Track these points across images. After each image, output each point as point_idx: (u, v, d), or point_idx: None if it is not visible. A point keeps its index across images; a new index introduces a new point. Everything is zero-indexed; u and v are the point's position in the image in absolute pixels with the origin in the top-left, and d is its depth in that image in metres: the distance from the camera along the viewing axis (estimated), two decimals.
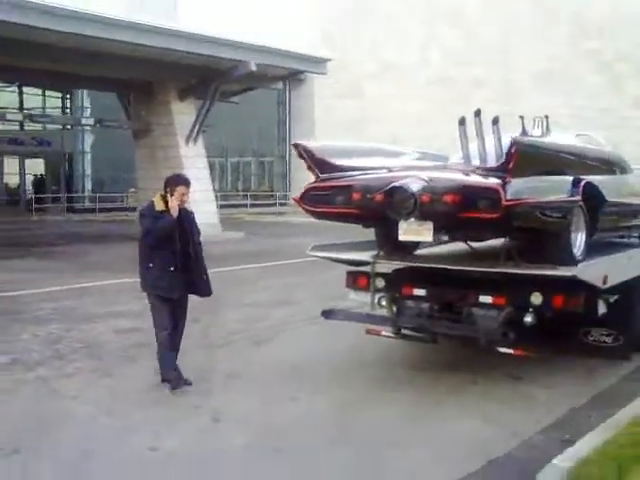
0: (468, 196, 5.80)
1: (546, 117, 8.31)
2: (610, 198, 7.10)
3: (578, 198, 6.36)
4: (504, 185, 5.67)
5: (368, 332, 7.37)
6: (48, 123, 35.99)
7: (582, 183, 6.45)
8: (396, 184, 6.05)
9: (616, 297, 7.30)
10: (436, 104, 36.55)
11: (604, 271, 6.63)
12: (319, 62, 25.78)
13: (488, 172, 6.08)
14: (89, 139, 39.64)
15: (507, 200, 5.59)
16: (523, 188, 5.87)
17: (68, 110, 39.97)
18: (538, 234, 6.64)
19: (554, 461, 4.54)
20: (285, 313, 10.30)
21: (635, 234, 9.13)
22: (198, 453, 5.14)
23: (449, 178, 6.13)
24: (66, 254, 18.55)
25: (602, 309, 7.16)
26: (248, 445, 5.25)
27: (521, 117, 8.24)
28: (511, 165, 5.69)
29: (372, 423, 5.81)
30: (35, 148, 37.42)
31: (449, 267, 6.76)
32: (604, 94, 37.68)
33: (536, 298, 6.42)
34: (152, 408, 6.12)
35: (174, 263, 6.44)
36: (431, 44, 40.41)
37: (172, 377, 6.48)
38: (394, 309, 7.24)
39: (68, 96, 39.33)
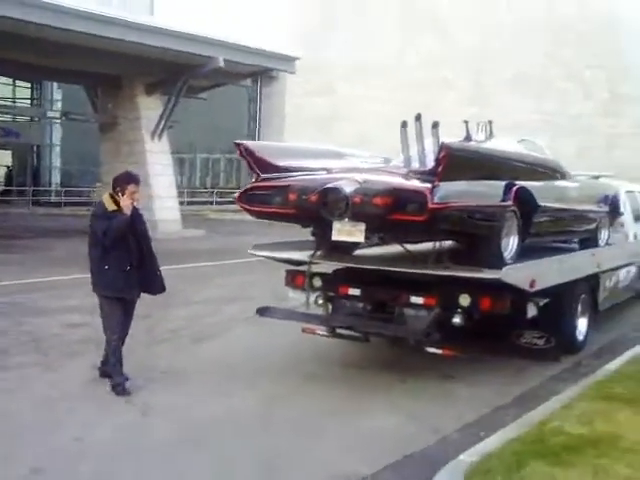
0: (397, 199, 5.96)
1: (490, 122, 8.50)
2: (545, 203, 7.29)
3: (510, 203, 6.54)
4: (432, 189, 5.83)
5: (304, 331, 7.51)
6: (12, 114, 35.54)
7: (515, 188, 6.63)
8: (330, 185, 6.20)
9: (546, 300, 7.52)
10: (407, 106, 36.73)
11: (532, 275, 6.81)
12: (288, 60, 25.81)
13: (421, 175, 6.24)
14: (58, 132, 39.33)
15: (433, 203, 5.75)
16: (453, 192, 6.02)
17: (36, 101, 39.52)
18: (470, 237, 6.84)
19: (460, 456, 4.72)
20: (235, 310, 10.42)
21: (576, 239, 9.37)
22: (119, 446, 5.25)
23: (381, 181, 6.28)
24: (27, 248, 18.42)
25: (532, 312, 7.37)
26: (169, 439, 5.37)
27: (465, 122, 8.42)
28: (440, 169, 5.85)
29: (299, 416, 6.00)
30: (2, 139, 36.96)
31: (379, 268, 6.94)
32: (575, 100, 38.12)
33: (464, 300, 6.62)
34: (86, 402, 6.21)
35: (129, 262, 6.42)
36: (405, 46, 40.62)
37: (121, 381, 6.45)
38: (329, 308, 7.39)
39: (38, 87, 38.87)
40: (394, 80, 39.62)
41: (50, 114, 33.40)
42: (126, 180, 6.50)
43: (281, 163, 6.94)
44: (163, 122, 23.53)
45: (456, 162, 6.00)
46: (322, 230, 6.93)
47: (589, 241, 9.32)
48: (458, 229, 6.39)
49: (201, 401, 6.30)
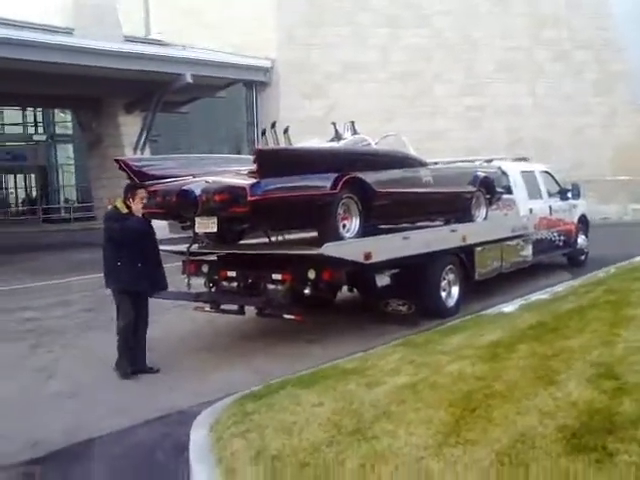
0: (230, 195, 7.29)
1: (352, 122, 9.91)
2: (385, 189, 8.61)
3: (336, 191, 7.85)
4: (252, 185, 7.12)
5: (195, 309, 8.96)
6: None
7: (344, 178, 7.94)
8: (184, 188, 7.61)
9: (396, 271, 8.83)
10: (401, 100, 37.68)
11: (366, 249, 8.03)
12: (259, 70, 27.12)
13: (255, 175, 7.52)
14: (64, 152, 41.32)
15: (252, 196, 7.07)
16: (276, 186, 7.28)
17: (41, 125, 41.39)
18: (311, 223, 8.23)
19: (253, 388, 6.06)
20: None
21: (442, 218, 10.63)
22: None
23: (222, 181, 7.59)
24: (10, 262, 19.50)
25: (383, 282, 8.71)
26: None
27: (333, 123, 9.89)
28: (257, 168, 7.18)
29: (164, 375, 7.41)
30: (10, 163, 38.91)
31: (236, 251, 8.41)
32: (565, 81, 38.72)
33: (311, 274, 7.92)
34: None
35: (140, 260, 7.32)
36: (392, 43, 41.49)
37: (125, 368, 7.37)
38: (213, 289, 8.84)
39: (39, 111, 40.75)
40: (383, 76, 40.50)
41: (36, 137, 35.07)
42: (134, 187, 7.63)
43: (156, 172, 8.32)
44: (144, 137, 25.12)
45: (271, 161, 7.29)
46: (191, 225, 8.30)
47: (464, 218, 10.58)
48: (286, 216, 7.73)
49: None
